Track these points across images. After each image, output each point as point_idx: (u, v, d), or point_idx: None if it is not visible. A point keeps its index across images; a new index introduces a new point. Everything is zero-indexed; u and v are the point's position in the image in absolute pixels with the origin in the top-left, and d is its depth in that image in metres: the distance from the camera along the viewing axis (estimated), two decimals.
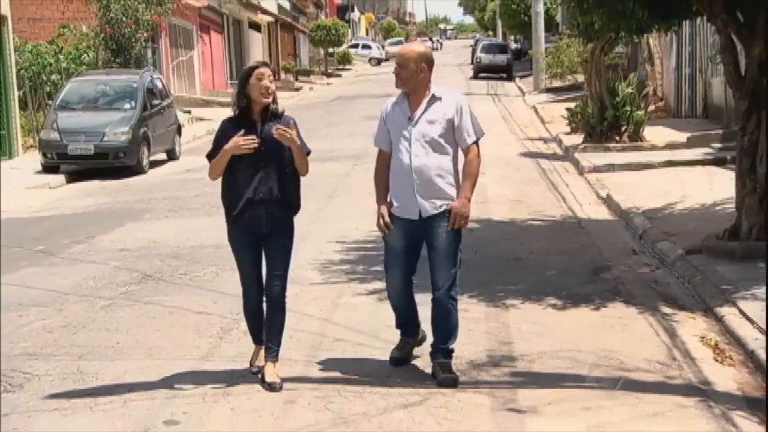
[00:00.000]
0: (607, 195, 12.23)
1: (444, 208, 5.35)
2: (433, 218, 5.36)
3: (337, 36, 52.38)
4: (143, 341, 6.52)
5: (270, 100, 5.38)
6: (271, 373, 5.45)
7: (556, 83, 32.28)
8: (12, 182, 15.92)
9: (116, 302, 7.67)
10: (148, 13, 24.62)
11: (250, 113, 5.39)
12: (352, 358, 5.98)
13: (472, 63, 48.70)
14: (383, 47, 72.93)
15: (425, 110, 5.38)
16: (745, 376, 5.54)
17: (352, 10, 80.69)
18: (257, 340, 5.64)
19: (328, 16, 62.99)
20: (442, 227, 5.35)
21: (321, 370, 5.75)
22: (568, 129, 19.79)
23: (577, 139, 18.07)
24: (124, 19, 24.15)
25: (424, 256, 5.55)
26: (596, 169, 14.61)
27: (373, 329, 6.41)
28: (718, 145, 15.59)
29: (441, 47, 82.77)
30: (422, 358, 5.68)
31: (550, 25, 37.44)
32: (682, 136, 17.03)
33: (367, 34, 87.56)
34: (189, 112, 27.24)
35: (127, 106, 17.82)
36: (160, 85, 19.66)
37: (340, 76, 52.36)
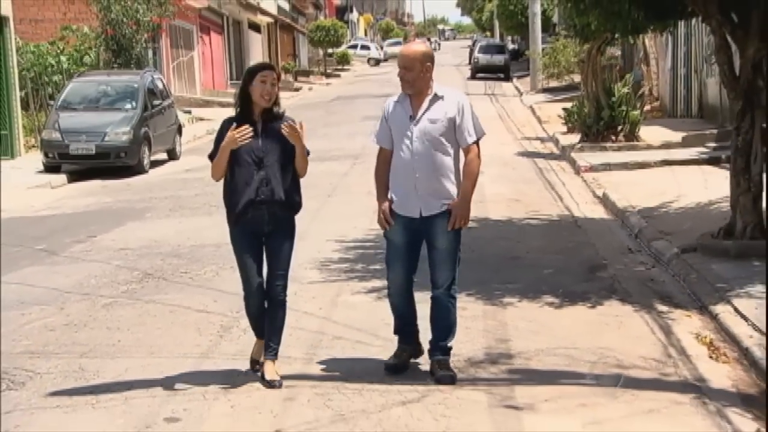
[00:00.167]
0: (603, 194, 12.23)
1: (444, 207, 5.33)
2: (433, 218, 5.34)
3: (336, 37, 52.36)
4: (144, 339, 6.52)
5: (270, 104, 5.37)
6: (271, 371, 5.46)
7: (553, 83, 32.30)
8: (14, 182, 15.92)
9: (117, 301, 7.67)
10: (148, 14, 24.62)
11: (251, 114, 5.39)
12: (351, 355, 5.98)
13: (469, 63, 48.70)
14: (382, 48, 72.94)
15: (427, 109, 5.35)
16: (740, 373, 5.54)
17: (351, 11, 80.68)
18: (260, 334, 5.62)
19: (327, 17, 62.98)
20: (442, 227, 5.34)
21: (320, 367, 5.76)
22: (564, 129, 19.79)
23: (574, 138, 18.07)
24: (124, 20, 24.14)
25: (424, 254, 5.55)
26: (592, 169, 14.61)
27: (372, 327, 6.41)
28: (713, 145, 15.60)
29: (439, 48, 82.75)
30: (421, 357, 5.67)
31: (547, 26, 37.43)
32: (677, 136, 17.04)
33: (365, 35, 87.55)
34: (189, 112, 27.24)
35: (128, 106, 17.82)
36: (160, 86, 19.66)
37: (339, 76, 52.35)
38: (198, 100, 31.38)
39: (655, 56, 24.13)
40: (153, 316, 7.15)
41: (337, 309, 7.13)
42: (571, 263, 8.61)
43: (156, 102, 18.66)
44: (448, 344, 5.53)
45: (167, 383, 5.52)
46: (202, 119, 26.60)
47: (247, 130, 5.24)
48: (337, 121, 25.26)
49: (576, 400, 5.10)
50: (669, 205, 11.13)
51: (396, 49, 55.60)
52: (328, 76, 51.55)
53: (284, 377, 5.47)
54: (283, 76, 43.95)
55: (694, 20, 14.75)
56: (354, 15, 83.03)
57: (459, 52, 70.26)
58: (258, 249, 5.45)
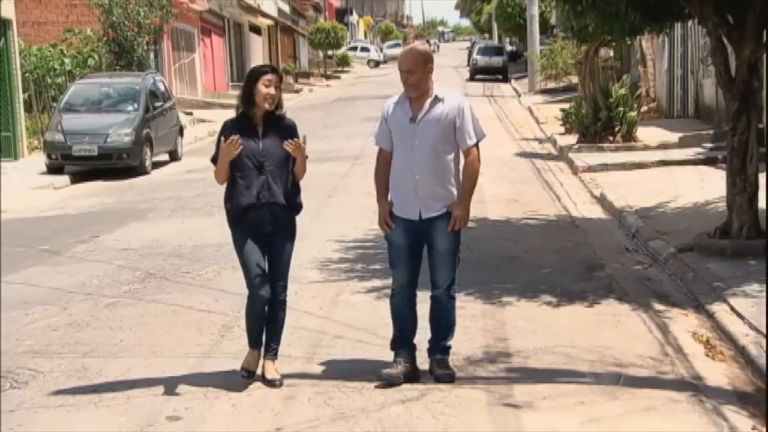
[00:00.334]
0: (600, 194, 12.24)
1: (444, 210, 5.30)
2: (433, 220, 5.31)
3: (336, 39, 52.36)
4: (146, 339, 6.53)
5: (273, 107, 5.35)
6: (272, 370, 5.45)
7: (551, 84, 32.31)
8: (17, 183, 15.92)
9: (120, 300, 7.67)
10: (150, 16, 24.62)
11: (253, 116, 5.37)
12: (351, 354, 5.98)
13: (468, 65, 48.69)
14: (381, 50, 72.95)
15: (428, 111, 5.30)
16: (736, 371, 5.54)
17: (351, 13, 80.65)
18: (255, 343, 5.48)
19: (327, 19, 62.94)
20: (442, 229, 5.30)
21: (320, 366, 5.76)
22: (562, 129, 19.79)
23: (572, 139, 18.07)
24: (126, 22, 24.15)
25: (424, 255, 5.54)
26: (590, 169, 14.61)
27: (372, 326, 6.41)
28: (710, 145, 15.60)
29: (438, 49, 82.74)
30: (420, 355, 5.66)
31: (545, 28, 37.43)
32: (674, 137, 17.04)
33: (365, 37, 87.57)
34: (191, 113, 27.24)
35: (130, 108, 17.82)
36: (162, 88, 19.66)
37: (339, 78, 52.36)
38: (199, 102, 31.39)
39: (651, 58, 24.13)
40: (155, 315, 7.15)
41: (338, 308, 7.13)
42: (569, 263, 8.61)
43: (158, 104, 18.67)
44: (448, 343, 5.53)
45: (169, 382, 5.52)
46: (203, 121, 26.60)
47: (234, 139, 5.19)
48: (337, 122, 25.27)
49: (574, 398, 5.11)
50: (666, 205, 11.13)
51: (395, 51, 55.68)
52: (328, 77, 51.55)
53: (285, 376, 5.47)
54: (283, 78, 43.93)
55: (690, 22, 14.74)
56: (354, 17, 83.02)
57: (458, 53, 70.27)
58: (260, 248, 5.41)
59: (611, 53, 23.88)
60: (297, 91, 40.29)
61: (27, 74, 21.13)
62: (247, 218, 5.35)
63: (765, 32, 8.26)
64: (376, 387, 5.27)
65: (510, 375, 5.55)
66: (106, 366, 5.93)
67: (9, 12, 19.43)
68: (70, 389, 5.52)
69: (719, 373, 5.51)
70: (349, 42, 67.88)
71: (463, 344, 5.95)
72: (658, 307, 6.98)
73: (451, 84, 35.81)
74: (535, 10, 33.49)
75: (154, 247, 9.94)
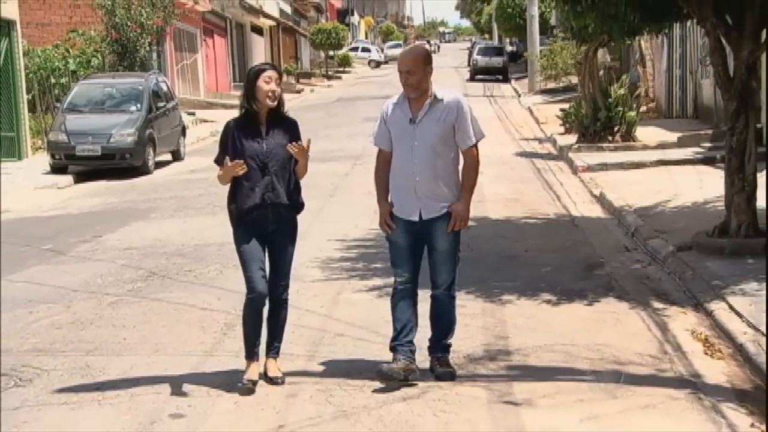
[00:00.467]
0: (600, 194, 12.24)
1: (445, 210, 5.28)
2: (433, 220, 5.29)
3: (338, 39, 52.35)
4: (149, 337, 6.53)
5: (275, 104, 5.34)
6: (274, 368, 5.46)
7: (551, 85, 32.31)
8: (21, 183, 15.94)
9: (123, 299, 7.68)
10: (153, 16, 24.63)
11: (256, 115, 5.34)
12: (352, 352, 5.98)
13: (468, 65, 48.68)
14: (382, 50, 72.91)
15: (427, 112, 5.28)
16: (734, 369, 5.54)
17: (352, 14, 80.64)
18: (252, 353, 5.37)
19: (328, 20, 62.94)
20: (442, 229, 5.29)
21: (322, 364, 5.76)
22: (562, 129, 19.79)
23: (571, 139, 18.07)
24: (128, 23, 24.16)
25: (424, 254, 5.54)
26: (590, 169, 14.61)
27: (373, 325, 6.41)
28: (708, 145, 15.59)
29: (438, 50, 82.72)
30: (420, 353, 5.67)
31: (545, 28, 37.43)
32: (673, 136, 17.04)
33: (366, 38, 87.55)
34: (193, 113, 27.24)
35: (133, 108, 17.83)
36: (165, 88, 19.67)
37: (340, 78, 52.35)
38: (202, 102, 31.41)
39: (651, 58, 24.13)
40: (158, 314, 7.16)
41: (339, 307, 7.14)
42: (569, 261, 8.61)
43: (160, 104, 18.67)
44: (448, 342, 5.52)
45: (172, 380, 5.52)
46: (205, 121, 26.60)
47: (238, 164, 5.16)
48: (339, 122, 25.27)
49: (573, 396, 5.11)
50: (665, 204, 11.13)
51: (396, 51, 55.60)
52: (329, 78, 51.55)
53: (287, 374, 5.47)
54: (285, 78, 43.88)
55: (689, 22, 14.73)
56: (355, 18, 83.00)
57: (458, 54, 70.27)
58: (262, 248, 5.39)
59: (608, 57, 23.88)
60: (298, 92, 40.29)
61: (31, 75, 21.17)
62: (250, 218, 5.33)
63: (764, 32, 8.27)
64: (376, 388, 5.26)
65: (510, 373, 5.55)
66: (109, 364, 5.93)
67: (13, 13, 19.45)
68: (73, 387, 5.52)
69: (718, 370, 5.51)
70: (351, 42, 67.90)
71: (463, 342, 5.96)
72: (657, 305, 6.98)
73: (451, 84, 35.83)
74: (535, 11, 33.48)
75: (156, 246, 9.95)
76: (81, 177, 16.82)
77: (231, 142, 5.30)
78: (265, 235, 5.39)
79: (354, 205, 11.79)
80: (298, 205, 5.47)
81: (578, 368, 5.59)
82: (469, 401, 5.08)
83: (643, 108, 21.03)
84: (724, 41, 8.30)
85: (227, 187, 5.43)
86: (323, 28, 52.91)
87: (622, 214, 10.67)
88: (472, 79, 43.06)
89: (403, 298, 5.42)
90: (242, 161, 5.19)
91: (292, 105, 30.72)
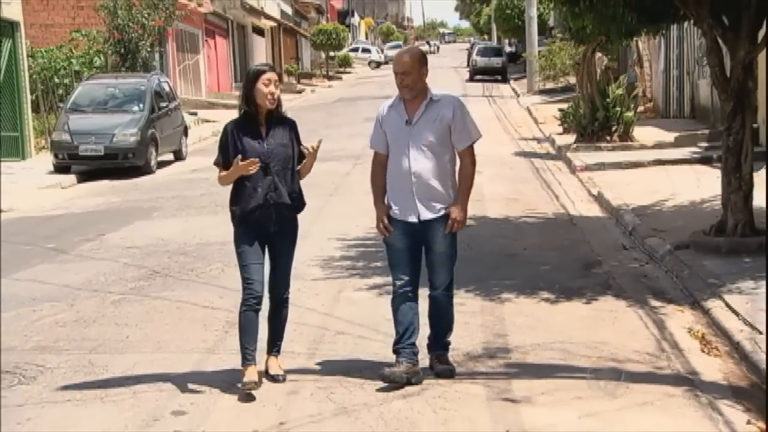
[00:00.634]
0: (598, 193, 12.24)
1: (442, 212, 5.25)
2: (431, 222, 5.25)
3: (338, 40, 52.32)
4: (152, 335, 6.53)
5: (275, 105, 5.33)
6: (275, 366, 5.46)
7: (549, 85, 32.28)
8: (25, 182, 15.95)
9: (126, 297, 7.68)
10: (155, 16, 24.63)
11: (255, 116, 5.31)
12: (352, 350, 5.98)
13: (468, 66, 48.67)
14: (382, 51, 72.86)
15: (423, 113, 5.25)
16: (731, 366, 5.55)
17: (353, 15, 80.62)
18: (248, 358, 5.25)
19: (329, 21, 62.93)
20: (440, 231, 5.26)
21: (323, 362, 5.76)
22: (560, 129, 19.79)
23: (570, 138, 18.06)
24: (130, 24, 24.16)
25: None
26: (588, 168, 14.61)
27: (373, 323, 6.41)
28: (705, 145, 15.60)
29: (438, 50, 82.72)
30: (420, 351, 5.67)
31: (544, 29, 37.42)
32: (670, 136, 17.04)
33: (366, 38, 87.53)
34: (195, 114, 27.24)
35: (136, 108, 17.83)
36: (167, 88, 19.67)
37: (340, 78, 52.33)
38: (203, 102, 31.40)
39: (648, 59, 24.12)
40: (160, 312, 7.16)
41: (340, 305, 7.14)
42: (567, 260, 8.61)
43: (163, 104, 18.67)
44: (447, 339, 5.52)
45: (174, 377, 5.53)
46: (207, 121, 26.61)
47: (252, 162, 5.15)
48: (339, 122, 25.25)
49: (572, 393, 5.11)
50: (662, 204, 11.13)
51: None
52: (330, 78, 51.53)
53: (288, 372, 5.47)
54: (286, 79, 44.04)
55: (686, 23, 14.72)
56: (355, 19, 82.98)
57: (458, 54, 70.24)
58: (262, 249, 5.36)
59: (605, 58, 23.89)
60: (299, 92, 40.29)
61: (34, 75, 21.15)
62: (253, 218, 5.29)
63: (760, 33, 8.27)
64: (376, 385, 5.26)
65: (509, 370, 5.55)
66: (112, 362, 5.94)
67: (16, 14, 19.44)
68: (77, 384, 5.52)
69: (714, 368, 5.51)
70: (351, 43, 67.88)
71: (462, 340, 5.96)
72: (655, 303, 6.99)
73: (451, 84, 35.88)
74: (533, 12, 33.46)
75: (159, 245, 9.95)
76: (84, 176, 16.82)
77: (232, 144, 5.26)
78: (266, 236, 5.36)
79: (354, 204, 11.78)
80: (300, 206, 5.46)
81: (576, 366, 5.60)
82: (468, 398, 5.08)
83: (641, 108, 21.01)
84: (720, 42, 8.30)
85: (229, 186, 5.42)
86: (324, 29, 52.89)
87: (619, 213, 10.67)
88: (471, 79, 43.04)
89: (403, 302, 5.37)
90: (256, 159, 5.16)
91: (293, 105, 30.76)
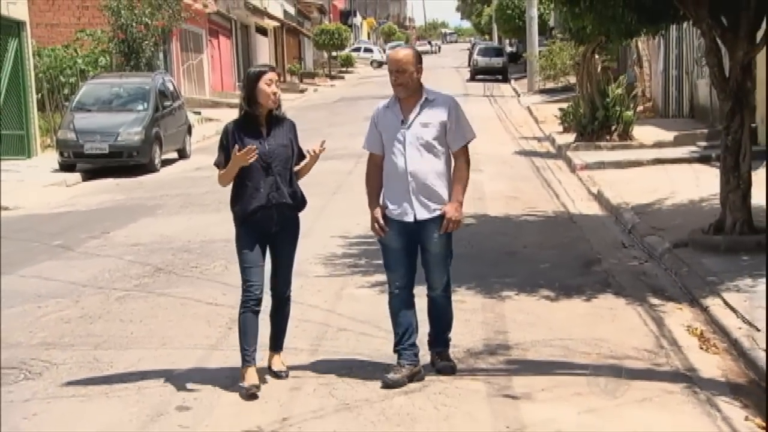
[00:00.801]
0: (597, 191, 12.23)
1: (437, 212, 5.21)
2: (427, 222, 5.21)
3: (340, 40, 52.33)
4: (156, 331, 6.54)
5: (276, 106, 5.31)
6: (278, 362, 5.46)
7: (550, 85, 32.28)
8: (31, 180, 15.96)
9: (130, 294, 7.69)
10: (158, 16, 24.63)
11: (256, 117, 5.27)
12: (354, 347, 5.98)
13: (469, 66, 48.65)
14: (384, 51, 72.82)
15: (419, 113, 5.21)
16: (729, 363, 5.55)
17: (355, 15, 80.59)
18: (248, 359, 5.21)
19: (331, 21, 62.92)
20: (435, 231, 5.21)
21: (325, 358, 5.76)
22: (560, 128, 19.78)
23: (570, 138, 18.05)
24: (134, 24, 24.17)
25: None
26: (587, 167, 14.60)
27: (375, 319, 6.41)
28: (704, 144, 15.59)
29: (439, 50, 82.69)
30: (421, 348, 5.67)
31: (544, 29, 37.39)
32: (669, 135, 17.03)
33: (368, 38, 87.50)
34: (199, 113, 27.24)
35: (140, 107, 17.84)
36: (171, 87, 19.68)
37: (343, 78, 52.31)
38: (207, 102, 31.40)
39: (647, 59, 24.09)
40: (164, 308, 7.16)
41: (342, 302, 7.14)
42: (567, 258, 8.61)
43: (167, 103, 18.68)
44: (447, 336, 5.52)
45: (178, 373, 5.53)
46: (211, 120, 26.61)
47: (250, 149, 5.10)
48: (341, 121, 25.25)
49: (571, 389, 5.11)
50: (661, 202, 11.13)
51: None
52: (332, 78, 51.52)
53: (290, 368, 5.48)
54: (288, 78, 44.03)
55: (685, 24, 14.71)
56: (357, 19, 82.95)
57: (459, 54, 70.21)
58: (263, 246, 5.32)
59: (599, 64, 23.89)
60: (302, 91, 40.29)
61: (40, 74, 21.16)
62: (255, 218, 5.25)
63: (759, 33, 8.26)
64: (378, 381, 5.26)
65: (509, 367, 5.56)
66: (117, 357, 5.94)
67: (23, 14, 19.46)
68: (82, 380, 5.53)
69: (713, 365, 5.51)
70: (353, 43, 67.84)
71: (463, 337, 5.96)
72: (654, 301, 6.99)
73: (452, 84, 35.87)
74: (534, 12, 33.45)
75: (163, 242, 9.96)
76: (89, 175, 16.83)
77: (233, 144, 5.20)
78: (268, 236, 5.32)
79: (357, 202, 11.72)
80: (301, 204, 5.42)
81: (576, 362, 5.60)
82: (469, 395, 5.08)
83: (640, 108, 21.00)
84: (719, 42, 8.30)
85: (231, 186, 5.39)
86: (326, 29, 52.89)
87: (619, 211, 10.67)
88: (472, 79, 43.02)
89: (401, 303, 5.36)
90: (253, 146, 5.12)
91: (295, 104, 30.77)
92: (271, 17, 44.20)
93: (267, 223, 5.28)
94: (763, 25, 8.25)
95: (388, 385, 5.19)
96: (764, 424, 4.55)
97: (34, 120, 19.64)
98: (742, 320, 6.05)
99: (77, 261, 9.24)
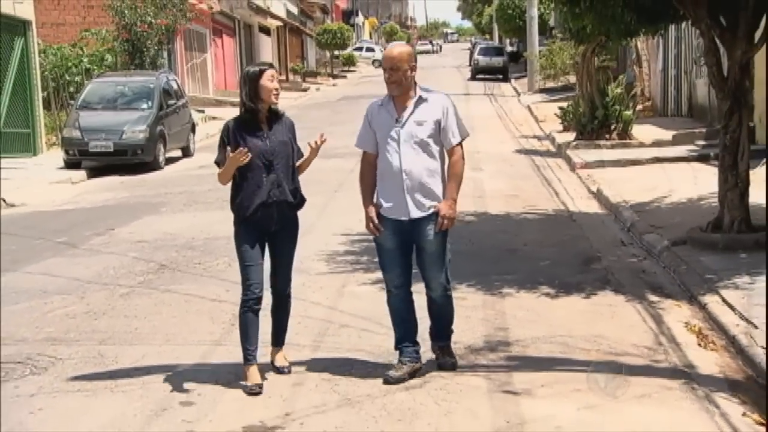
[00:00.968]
0: (597, 190, 12.23)
1: (432, 210, 5.17)
2: (421, 220, 5.17)
3: (343, 39, 52.31)
4: (160, 327, 6.54)
5: (277, 102, 5.30)
6: (280, 358, 5.46)
7: (550, 84, 32.26)
8: (36, 178, 15.97)
9: (135, 290, 7.69)
10: (159, 17, 24.63)
11: (257, 114, 5.25)
12: (356, 343, 5.98)
13: (470, 65, 48.62)
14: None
15: (413, 111, 5.17)
16: (727, 360, 5.54)
17: (357, 15, 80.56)
18: (249, 357, 5.21)
19: (333, 21, 62.87)
20: (430, 229, 5.17)
21: (327, 354, 5.76)
22: (560, 127, 19.78)
23: (569, 136, 18.05)
24: (138, 23, 24.17)
25: None
26: (587, 166, 14.60)
27: (377, 316, 6.40)
28: (702, 143, 15.58)
29: (440, 50, 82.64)
30: (422, 345, 5.67)
31: (544, 29, 37.34)
32: (668, 134, 17.02)
33: (370, 38, 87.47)
34: (202, 111, 27.25)
35: (145, 105, 17.85)
36: (175, 86, 19.68)
37: (345, 77, 52.30)
38: (211, 100, 31.40)
39: (647, 58, 24.09)
40: (168, 305, 7.17)
41: (343, 299, 7.14)
42: (567, 255, 8.61)
43: (171, 102, 18.69)
44: (448, 332, 5.51)
45: (182, 369, 5.54)
46: (214, 118, 26.61)
47: (242, 151, 5.05)
48: (343, 119, 25.22)
49: (571, 386, 5.11)
50: (660, 200, 11.13)
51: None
52: (334, 77, 51.51)
53: (293, 363, 5.48)
54: (291, 77, 44.01)
55: (684, 24, 14.71)
56: (359, 19, 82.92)
57: (459, 54, 70.16)
58: (262, 245, 5.30)
59: (601, 61, 23.88)
60: (305, 90, 40.29)
61: (46, 73, 21.17)
62: (255, 217, 5.22)
63: (757, 33, 8.25)
64: (379, 377, 5.27)
65: (509, 363, 5.56)
66: (121, 353, 5.95)
67: (28, 13, 19.47)
68: (87, 375, 5.53)
69: (711, 361, 5.51)
70: (355, 42, 67.80)
71: (464, 333, 5.96)
72: (653, 298, 6.98)
73: (453, 83, 35.87)
74: (534, 12, 33.42)
75: (167, 239, 9.96)
76: (94, 172, 16.84)
77: (233, 142, 5.18)
78: (267, 234, 5.30)
79: (358, 200, 11.60)
80: (300, 202, 5.40)
81: (576, 359, 5.59)
82: (469, 390, 5.08)
83: (639, 107, 20.99)
84: (718, 42, 8.29)
85: (231, 183, 5.35)
86: (329, 29, 52.86)
87: (618, 209, 10.67)
88: (473, 78, 43.00)
89: (399, 302, 5.35)
90: (245, 148, 5.07)
91: (298, 103, 30.77)
92: (275, 17, 44.19)
93: (267, 221, 5.25)
94: (762, 25, 8.24)
95: (389, 381, 5.19)
96: (762, 420, 4.55)
97: (40, 118, 19.66)
98: (740, 317, 6.05)
99: (82, 258, 9.24)
